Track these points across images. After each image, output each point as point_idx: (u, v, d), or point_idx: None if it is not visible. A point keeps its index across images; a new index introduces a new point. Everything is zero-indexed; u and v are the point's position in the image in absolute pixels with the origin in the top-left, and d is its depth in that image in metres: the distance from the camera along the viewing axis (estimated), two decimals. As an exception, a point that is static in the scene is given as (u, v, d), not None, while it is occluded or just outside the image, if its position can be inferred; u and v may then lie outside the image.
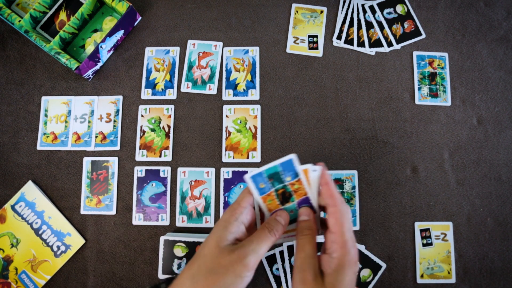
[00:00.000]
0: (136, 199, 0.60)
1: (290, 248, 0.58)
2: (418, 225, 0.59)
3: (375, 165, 0.61)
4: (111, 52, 0.65)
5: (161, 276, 0.55)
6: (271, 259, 0.58)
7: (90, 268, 0.59)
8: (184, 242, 0.56)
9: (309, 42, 0.65)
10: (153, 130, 0.63)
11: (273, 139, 0.62)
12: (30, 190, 0.61)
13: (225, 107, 0.63)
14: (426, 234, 0.58)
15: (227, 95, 0.64)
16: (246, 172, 0.61)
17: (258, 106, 0.63)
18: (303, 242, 0.37)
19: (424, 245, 0.58)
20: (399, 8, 0.67)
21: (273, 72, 0.65)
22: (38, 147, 0.63)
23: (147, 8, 0.68)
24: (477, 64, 0.64)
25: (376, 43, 0.65)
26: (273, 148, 0.62)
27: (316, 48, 0.65)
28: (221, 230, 0.37)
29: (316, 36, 0.66)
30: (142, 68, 0.65)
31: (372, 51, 0.65)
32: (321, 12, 0.67)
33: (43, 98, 0.64)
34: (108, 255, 0.59)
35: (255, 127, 0.62)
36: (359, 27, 0.66)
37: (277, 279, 0.57)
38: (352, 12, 0.67)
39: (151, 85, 0.64)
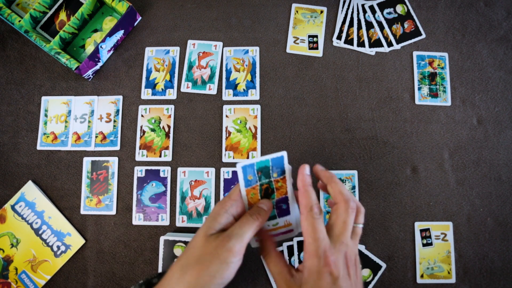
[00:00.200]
0: (136, 199, 0.60)
1: (290, 248, 0.58)
2: (418, 225, 0.59)
3: (375, 165, 0.61)
4: (111, 52, 0.65)
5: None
6: (271, 259, 0.58)
7: (90, 268, 0.59)
8: (184, 242, 0.56)
9: (309, 42, 0.65)
10: (153, 130, 0.63)
11: (273, 139, 0.62)
12: (30, 190, 0.61)
13: (225, 107, 0.63)
14: (426, 234, 0.58)
15: (227, 95, 0.64)
16: (246, 172, 0.61)
17: (258, 106, 0.63)
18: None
19: (424, 245, 0.58)
20: (399, 8, 0.67)
21: (273, 72, 0.65)
22: (38, 147, 0.63)
23: (147, 8, 0.68)
24: (477, 64, 0.64)
25: (376, 43, 0.65)
26: (273, 148, 0.62)
27: (316, 48, 0.65)
28: (210, 221, 0.38)
29: (316, 36, 0.66)
30: (142, 68, 0.65)
31: (372, 51, 0.65)
32: (321, 12, 0.67)
33: (43, 98, 0.64)
34: (108, 255, 0.59)
35: (255, 127, 0.62)
36: (359, 27, 0.66)
37: (277, 279, 0.57)
38: (352, 12, 0.67)
39: (151, 85, 0.64)
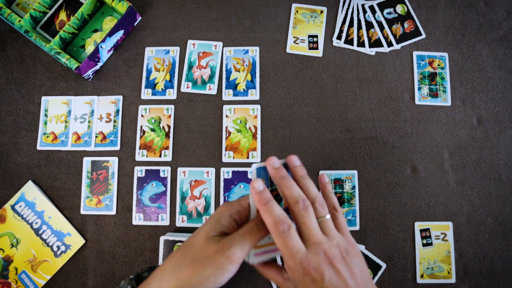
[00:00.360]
0: (136, 199, 0.60)
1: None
2: (418, 225, 0.59)
3: (375, 165, 0.61)
4: (111, 52, 0.65)
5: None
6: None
7: (90, 268, 0.59)
8: (184, 242, 0.56)
9: (309, 42, 0.65)
10: (153, 130, 0.63)
11: (273, 139, 0.62)
12: (30, 190, 0.61)
13: (225, 107, 0.63)
14: (426, 234, 0.58)
15: (227, 95, 0.64)
16: (246, 172, 0.61)
17: (258, 106, 0.63)
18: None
19: (424, 245, 0.58)
20: (399, 8, 0.67)
21: (273, 72, 0.65)
22: (38, 147, 0.63)
23: (147, 8, 0.68)
24: (477, 64, 0.64)
25: (376, 43, 0.65)
26: (273, 148, 0.62)
27: (316, 48, 0.65)
28: (213, 222, 0.37)
29: (316, 36, 0.66)
30: (142, 68, 0.65)
31: (372, 51, 0.65)
32: (321, 12, 0.67)
33: (43, 98, 0.64)
34: (108, 255, 0.59)
35: (255, 127, 0.62)
36: (359, 27, 0.66)
37: (277, 279, 0.57)
38: (352, 12, 0.67)
39: (151, 85, 0.64)
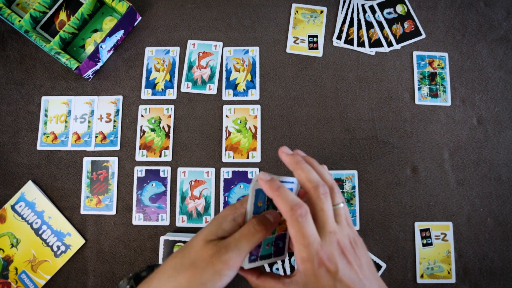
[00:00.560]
0: (136, 199, 0.60)
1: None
2: (418, 225, 0.59)
3: (375, 165, 0.61)
4: (111, 52, 0.65)
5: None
6: (271, 259, 0.58)
7: (90, 268, 0.59)
8: (184, 242, 0.56)
9: (309, 42, 0.65)
10: (153, 130, 0.63)
11: (273, 139, 0.62)
12: (30, 190, 0.61)
13: (225, 107, 0.63)
14: (426, 234, 0.58)
15: (227, 95, 0.64)
16: (246, 172, 0.61)
17: (258, 106, 0.63)
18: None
19: (424, 245, 0.58)
20: (399, 8, 0.67)
21: (273, 72, 0.65)
22: (38, 147, 0.63)
23: (147, 8, 0.68)
24: (477, 64, 0.64)
25: (376, 43, 0.65)
26: (273, 148, 0.62)
27: (316, 48, 0.65)
28: (214, 225, 0.36)
29: (316, 36, 0.66)
30: (142, 68, 0.65)
31: (372, 51, 0.65)
32: (321, 12, 0.67)
33: (43, 98, 0.64)
34: (108, 255, 0.59)
35: (255, 127, 0.62)
36: (359, 27, 0.66)
37: (277, 279, 0.57)
38: (352, 12, 0.67)
39: (151, 85, 0.64)
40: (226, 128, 0.62)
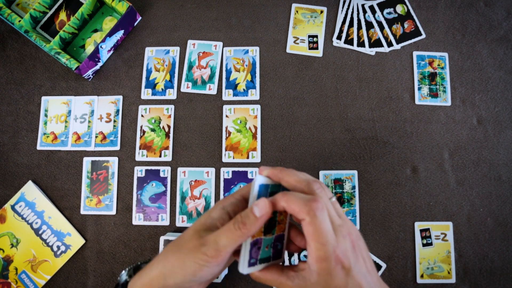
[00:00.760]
0: (136, 199, 0.60)
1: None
2: (418, 225, 0.59)
3: (375, 165, 0.61)
4: (111, 52, 0.65)
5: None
6: (271, 259, 0.58)
7: (90, 268, 0.59)
8: (184, 242, 0.56)
9: (309, 42, 0.65)
10: (153, 130, 0.63)
11: (273, 139, 0.62)
12: (30, 190, 0.61)
13: (225, 107, 0.63)
14: (426, 234, 0.58)
15: (227, 95, 0.64)
16: (246, 172, 0.61)
17: (258, 106, 0.63)
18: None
19: (424, 245, 0.58)
20: (399, 8, 0.67)
21: (273, 72, 0.65)
22: (38, 147, 0.63)
23: (147, 8, 0.68)
24: (477, 64, 0.64)
25: (376, 43, 0.65)
26: (273, 148, 0.62)
27: (316, 48, 0.65)
28: (204, 215, 0.37)
29: (316, 36, 0.66)
30: (142, 68, 0.65)
31: (372, 51, 0.65)
32: (321, 12, 0.67)
33: (43, 98, 0.64)
34: (108, 255, 0.59)
35: (255, 127, 0.62)
36: (359, 27, 0.66)
37: (277, 279, 0.57)
38: (352, 12, 0.67)
39: (151, 85, 0.64)
40: (226, 128, 0.62)
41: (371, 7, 0.67)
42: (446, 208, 0.59)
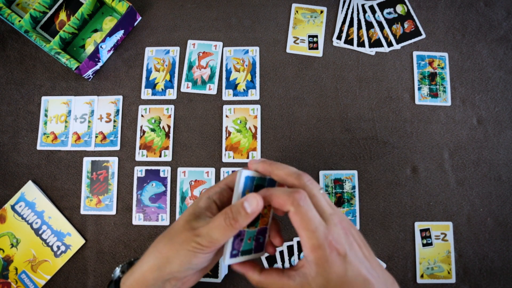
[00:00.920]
0: (136, 199, 0.60)
1: (290, 248, 0.58)
2: (418, 225, 0.59)
3: (375, 165, 0.61)
4: (111, 52, 0.65)
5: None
6: (271, 259, 0.58)
7: (90, 268, 0.59)
8: (184, 242, 0.56)
9: (309, 42, 0.65)
10: (153, 130, 0.63)
11: (273, 139, 0.62)
12: (30, 190, 0.61)
13: (225, 107, 0.63)
14: (426, 234, 0.58)
15: (227, 95, 0.64)
16: (246, 172, 0.61)
17: (258, 106, 0.63)
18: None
19: (424, 245, 0.58)
20: (399, 8, 0.67)
21: (273, 72, 0.65)
22: (38, 147, 0.63)
23: (147, 8, 0.68)
24: (477, 64, 0.64)
25: (376, 43, 0.65)
26: (273, 148, 0.62)
27: (316, 48, 0.65)
28: (193, 205, 0.38)
29: (316, 36, 0.66)
30: (142, 68, 0.65)
31: (372, 51, 0.65)
32: (321, 12, 0.67)
33: (43, 98, 0.64)
34: (108, 255, 0.59)
35: (255, 127, 0.62)
36: (359, 27, 0.66)
37: (277, 279, 0.57)
38: (352, 12, 0.67)
39: (151, 85, 0.64)
40: (226, 128, 0.62)
41: (371, 7, 0.67)
42: (446, 208, 0.59)
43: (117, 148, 0.62)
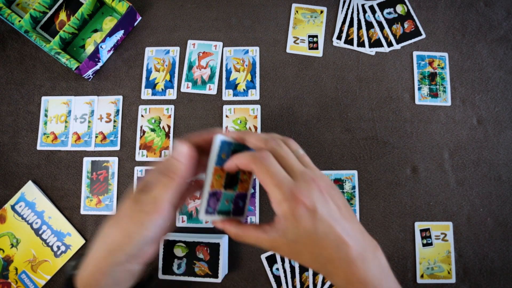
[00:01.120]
0: (136, 199, 0.60)
1: (290, 248, 0.58)
2: (418, 225, 0.59)
3: (375, 165, 0.61)
4: (111, 52, 0.65)
5: (161, 276, 0.55)
6: (271, 259, 0.58)
7: (90, 268, 0.58)
8: (184, 242, 0.56)
9: (309, 42, 0.65)
10: (153, 130, 0.63)
11: (273, 139, 0.62)
12: (30, 190, 0.61)
13: (225, 107, 0.63)
14: (426, 234, 0.58)
15: (227, 95, 0.64)
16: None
17: (258, 106, 0.63)
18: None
19: (424, 245, 0.58)
20: (399, 8, 0.67)
21: (273, 72, 0.65)
22: (38, 147, 0.63)
23: (147, 8, 0.68)
24: (477, 64, 0.64)
25: (376, 43, 0.65)
26: (273, 148, 0.62)
27: (316, 48, 0.65)
28: (140, 182, 0.36)
29: (316, 36, 0.66)
30: (142, 68, 0.65)
31: (372, 51, 0.65)
32: (321, 12, 0.67)
33: (43, 98, 0.64)
34: (108, 255, 0.59)
35: (255, 127, 0.62)
36: (359, 27, 0.66)
37: (277, 279, 0.57)
38: (352, 12, 0.67)
39: (151, 85, 0.64)
40: (227, 128, 0.62)
41: (371, 7, 0.67)
42: (446, 208, 0.59)
43: (117, 148, 0.62)
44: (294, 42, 0.66)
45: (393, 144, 0.62)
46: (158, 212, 0.34)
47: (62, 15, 0.67)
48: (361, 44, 0.65)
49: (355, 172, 0.60)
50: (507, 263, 0.58)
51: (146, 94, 0.64)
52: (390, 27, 0.66)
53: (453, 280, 0.57)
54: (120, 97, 0.64)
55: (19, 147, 0.63)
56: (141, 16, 0.67)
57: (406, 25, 0.66)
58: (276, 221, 0.33)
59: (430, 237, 0.58)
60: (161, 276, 0.55)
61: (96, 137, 0.63)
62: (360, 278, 0.32)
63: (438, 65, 0.64)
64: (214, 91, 0.64)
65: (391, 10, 0.67)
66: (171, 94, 0.64)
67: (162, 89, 0.64)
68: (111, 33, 0.62)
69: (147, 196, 0.34)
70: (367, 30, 0.66)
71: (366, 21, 0.66)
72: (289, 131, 0.62)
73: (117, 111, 0.64)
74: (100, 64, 0.64)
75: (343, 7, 0.67)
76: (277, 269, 0.57)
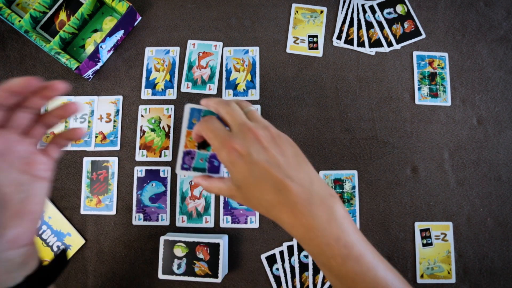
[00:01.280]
0: (136, 199, 0.60)
1: (290, 248, 0.58)
2: (418, 225, 0.59)
3: (375, 165, 0.61)
4: (111, 52, 0.65)
5: (161, 276, 0.55)
6: (271, 259, 0.58)
7: (90, 268, 0.59)
8: (184, 242, 0.56)
9: (309, 42, 0.65)
10: (153, 130, 0.63)
11: (273, 139, 0.62)
12: (30, 190, 0.61)
13: (225, 107, 0.63)
14: (426, 234, 0.58)
15: (227, 95, 0.64)
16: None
17: (258, 106, 0.63)
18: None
19: (424, 245, 0.58)
20: (399, 8, 0.67)
21: (273, 72, 0.65)
22: (38, 147, 0.62)
23: (147, 8, 0.68)
24: (477, 64, 0.64)
25: (376, 43, 0.65)
26: (273, 148, 0.62)
27: (316, 48, 0.65)
28: None
29: (316, 36, 0.66)
30: (142, 68, 0.65)
31: (372, 51, 0.65)
32: (321, 12, 0.67)
33: (43, 98, 0.64)
34: (108, 255, 0.59)
35: (255, 127, 0.62)
36: (359, 27, 0.66)
37: (277, 279, 0.57)
38: (352, 12, 0.67)
39: (151, 85, 0.64)
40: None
41: (371, 7, 0.67)
42: (446, 208, 0.59)
43: (117, 148, 0.62)
44: (294, 42, 0.66)
45: (393, 144, 0.62)
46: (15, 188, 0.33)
47: (62, 15, 0.67)
48: (361, 44, 0.65)
49: (355, 172, 0.60)
50: (507, 263, 0.58)
51: (146, 94, 0.64)
52: (390, 27, 0.66)
53: (453, 280, 0.57)
54: (120, 97, 0.64)
55: (19, 147, 0.63)
56: (141, 16, 0.67)
57: (406, 25, 0.66)
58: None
59: (430, 237, 0.58)
60: (161, 276, 0.55)
61: (96, 137, 0.63)
62: (304, 222, 0.32)
63: (438, 65, 0.64)
64: (214, 91, 0.64)
65: (391, 10, 0.67)
66: (171, 94, 0.64)
67: (162, 89, 0.64)
68: (111, 33, 0.62)
69: None
70: (367, 30, 0.66)
71: (366, 21, 0.66)
72: (289, 131, 0.62)
73: (117, 111, 0.64)
74: (100, 64, 0.64)
75: (343, 7, 0.67)
76: (277, 269, 0.57)
